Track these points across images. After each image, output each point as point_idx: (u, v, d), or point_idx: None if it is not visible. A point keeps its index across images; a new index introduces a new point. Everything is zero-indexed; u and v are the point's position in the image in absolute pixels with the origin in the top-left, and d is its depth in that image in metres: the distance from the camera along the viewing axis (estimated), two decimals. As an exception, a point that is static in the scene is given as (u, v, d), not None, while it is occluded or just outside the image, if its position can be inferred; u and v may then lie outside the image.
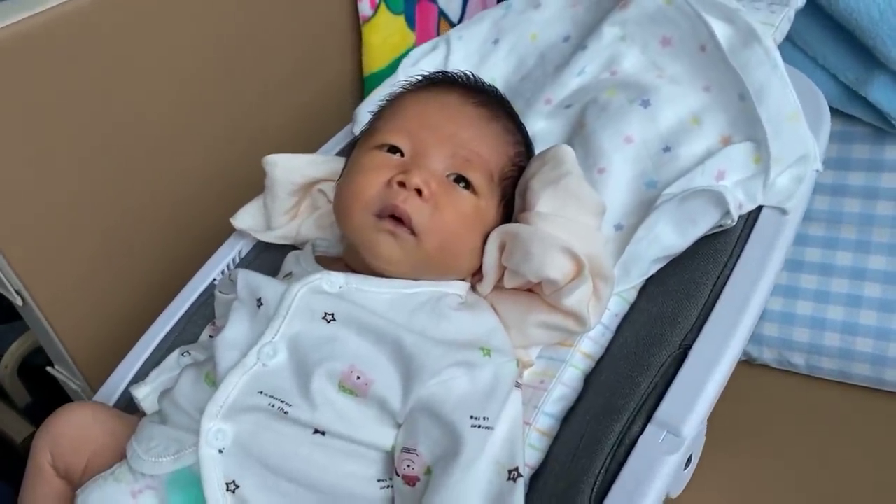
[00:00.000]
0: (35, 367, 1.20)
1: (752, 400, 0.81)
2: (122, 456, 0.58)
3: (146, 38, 0.81)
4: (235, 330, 0.59)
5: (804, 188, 0.64)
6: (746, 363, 0.87)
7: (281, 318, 0.57)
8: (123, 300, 0.90)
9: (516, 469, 0.51)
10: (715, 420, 0.59)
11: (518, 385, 0.56)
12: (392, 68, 1.05)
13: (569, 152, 0.61)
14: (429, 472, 0.51)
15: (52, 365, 0.94)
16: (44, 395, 1.22)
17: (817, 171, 0.65)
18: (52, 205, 0.79)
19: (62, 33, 0.72)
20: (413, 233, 0.57)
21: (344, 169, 0.66)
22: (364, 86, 1.09)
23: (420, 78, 0.67)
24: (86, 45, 0.75)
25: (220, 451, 0.53)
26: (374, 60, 1.05)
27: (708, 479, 0.63)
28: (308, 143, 0.88)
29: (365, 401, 0.54)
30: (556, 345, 0.62)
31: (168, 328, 0.76)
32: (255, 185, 0.77)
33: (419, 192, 0.57)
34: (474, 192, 0.60)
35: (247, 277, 0.61)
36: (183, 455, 0.54)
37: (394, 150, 0.61)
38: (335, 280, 0.59)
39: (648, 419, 0.55)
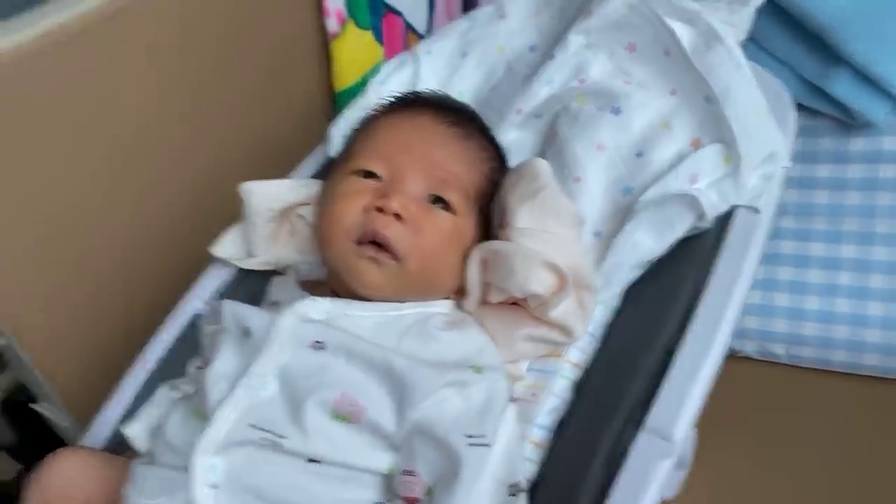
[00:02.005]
0: (18, 404, 1.18)
1: (736, 391, 0.82)
2: (114, 501, 0.57)
3: (111, 64, 0.80)
4: (224, 362, 0.58)
5: (774, 186, 0.65)
6: (729, 356, 0.88)
7: (269, 348, 0.57)
8: (107, 333, 0.89)
9: (517, 484, 0.51)
10: (702, 414, 0.61)
11: (512, 400, 0.57)
12: (362, 83, 1.06)
13: (544, 166, 0.62)
14: (430, 492, 0.51)
15: (35, 401, 0.93)
16: (29, 431, 1.21)
17: (785, 167, 0.66)
18: (31, 243, 0.78)
19: (27, 71, 0.71)
20: (395, 257, 0.58)
21: (322, 195, 0.66)
22: (335, 102, 1.09)
23: (392, 100, 0.67)
24: (46, 79, 0.74)
25: (214, 487, 0.53)
26: (345, 77, 1.06)
27: (697, 473, 0.64)
28: (280, 161, 0.88)
29: (359, 427, 0.54)
30: (545, 357, 0.63)
31: (153, 362, 0.75)
32: (231, 209, 0.77)
33: (398, 216, 0.58)
34: (452, 211, 0.61)
35: (233, 308, 0.60)
36: (176, 494, 0.53)
37: (370, 174, 0.61)
38: (321, 306, 0.59)
39: (639, 425, 0.56)
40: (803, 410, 0.80)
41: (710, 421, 0.66)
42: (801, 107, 0.78)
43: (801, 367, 0.84)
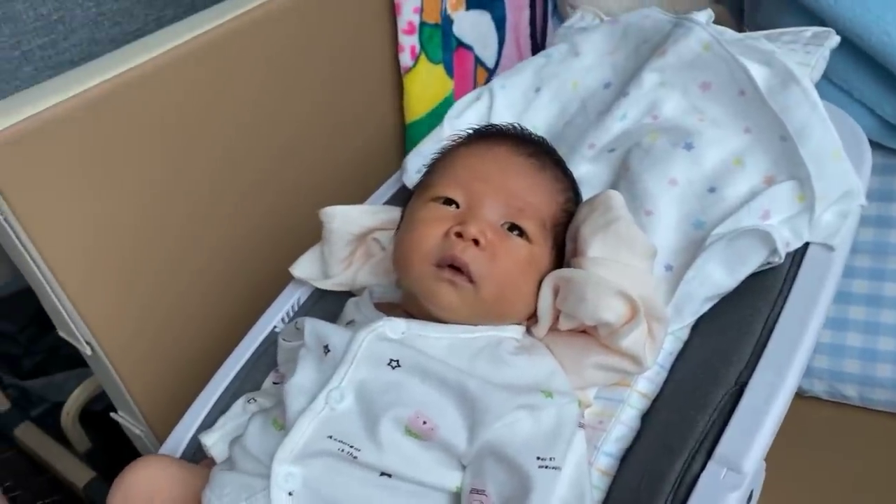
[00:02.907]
0: (94, 413, 1.24)
1: (805, 433, 0.81)
2: None
3: (208, 96, 0.85)
4: (304, 376, 0.61)
5: (850, 224, 0.65)
6: (797, 396, 0.87)
7: (348, 363, 0.59)
8: (186, 347, 0.94)
9: None
10: (770, 454, 0.60)
11: (581, 425, 0.58)
12: (431, 116, 1.09)
13: (617, 198, 0.63)
14: None
15: (113, 410, 0.97)
16: (103, 439, 1.25)
17: (861, 206, 0.66)
18: (119, 257, 0.83)
19: (129, 98, 0.77)
20: (471, 281, 0.60)
21: (401, 221, 0.69)
22: (406, 133, 1.12)
23: (471, 131, 0.70)
24: (151, 105, 0.80)
25: (290, 494, 0.55)
26: (415, 109, 1.09)
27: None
28: (357, 188, 0.91)
29: (431, 444, 0.56)
30: (614, 385, 0.64)
31: (232, 375, 0.78)
32: (309, 231, 0.80)
33: (476, 241, 0.60)
34: (528, 239, 0.63)
35: (314, 326, 0.63)
36: (254, 500, 0.56)
37: (449, 202, 0.63)
38: (397, 326, 0.61)
39: (708, 457, 0.56)
40: (875, 454, 0.78)
41: (778, 462, 0.65)
42: (876, 144, 0.78)
43: (873, 410, 0.82)
